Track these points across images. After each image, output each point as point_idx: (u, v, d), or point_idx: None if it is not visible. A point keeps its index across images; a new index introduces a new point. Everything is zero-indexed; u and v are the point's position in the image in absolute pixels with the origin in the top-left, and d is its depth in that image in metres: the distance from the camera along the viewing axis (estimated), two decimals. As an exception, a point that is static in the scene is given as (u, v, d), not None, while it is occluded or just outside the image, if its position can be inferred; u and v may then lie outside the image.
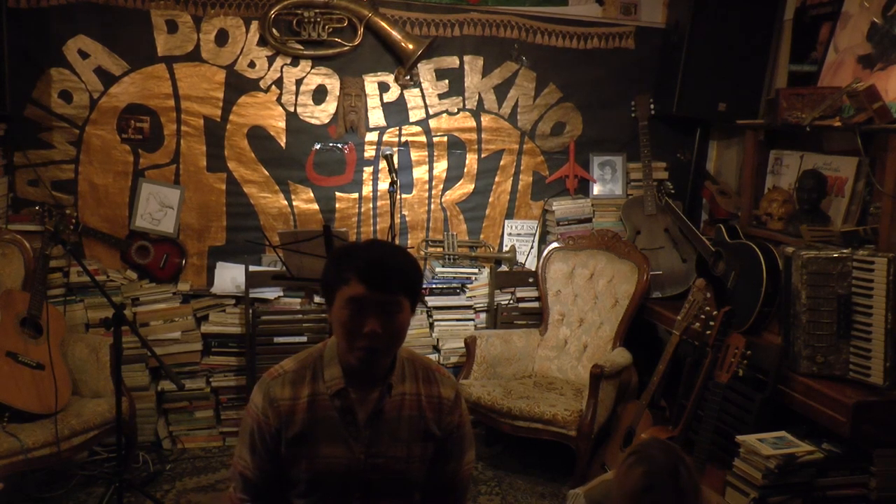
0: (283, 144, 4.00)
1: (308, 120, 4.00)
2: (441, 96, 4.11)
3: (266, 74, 3.92)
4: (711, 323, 3.11)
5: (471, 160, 4.20)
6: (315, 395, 1.66)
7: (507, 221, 4.28)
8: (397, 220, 3.83)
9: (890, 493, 2.56)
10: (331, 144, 4.05)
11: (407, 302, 1.62)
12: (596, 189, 4.31)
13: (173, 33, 3.81)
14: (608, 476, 2.10)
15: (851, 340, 2.66)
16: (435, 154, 4.17)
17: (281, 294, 3.91)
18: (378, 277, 1.57)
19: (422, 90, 4.09)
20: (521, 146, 4.24)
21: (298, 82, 3.96)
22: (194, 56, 3.85)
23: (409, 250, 1.70)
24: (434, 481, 1.75)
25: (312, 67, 3.96)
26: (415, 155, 4.14)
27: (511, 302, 4.15)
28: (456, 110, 4.15)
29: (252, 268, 3.85)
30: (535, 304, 4.13)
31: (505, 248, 4.25)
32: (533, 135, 4.24)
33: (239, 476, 1.70)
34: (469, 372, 3.73)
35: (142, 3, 3.76)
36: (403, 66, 3.97)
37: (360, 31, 3.90)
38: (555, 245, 4.11)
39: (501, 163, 4.24)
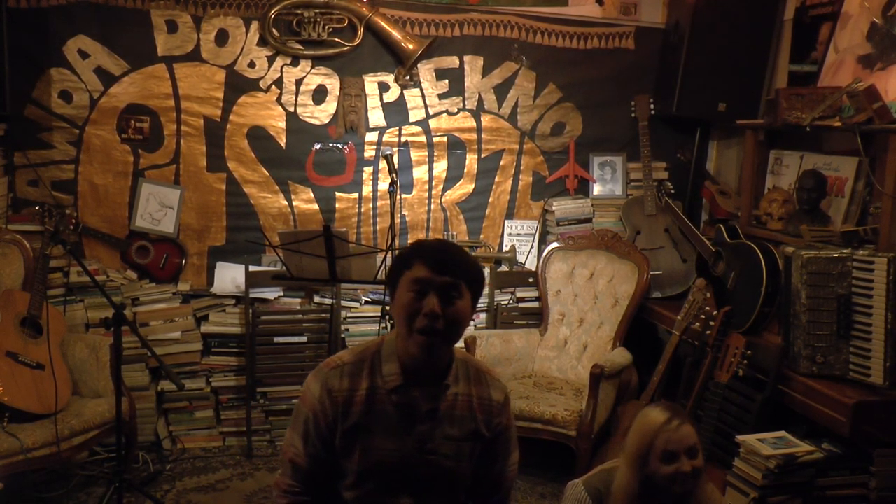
0: (283, 144, 4.00)
1: (308, 120, 4.00)
2: (441, 96, 4.11)
3: (266, 74, 3.92)
4: (711, 323, 3.11)
5: (471, 160, 4.20)
6: (373, 388, 1.69)
7: (507, 221, 4.28)
8: (397, 220, 3.83)
9: (890, 493, 2.56)
10: (331, 144, 4.05)
11: (468, 291, 1.67)
12: (596, 189, 4.31)
13: (173, 33, 3.81)
14: (607, 465, 2.11)
15: (851, 340, 2.67)
16: (435, 154, 4.17)
17: (281, 294, 3.91)
18: (441, 261, 1.64)
19: (422, 90, 4.09)
20: (521, 146, 4.24)
21: (298, 82, 3.96)
22: (194, 56, 3.85)
23: None
24: (480, 481, 1.80)
25: (312, 67, 3.96)
26: (415, 155, 4.14)
27: (511, 302, 4.15)
28: (456, 110, 4.15)
29: (252, 268, 3.85)
30: (535, 304, 4.13)
31: (505, 248, 4.25)
32: (533, 135, 4.24)
33: (289, 463, 1.73)
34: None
35: (142, 3, 3.76)
36: (403, 66, 3.97)
37: (360, 31, 3.90)
38: (555, 245, 4.11)
39: (501, 163, 4.24)
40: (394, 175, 3.60)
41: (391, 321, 3.54)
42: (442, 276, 1.63)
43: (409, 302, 1.63)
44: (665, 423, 1.92)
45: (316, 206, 4.07)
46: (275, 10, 3.81)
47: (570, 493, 2.05)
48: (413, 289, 1.63)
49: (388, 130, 4.09)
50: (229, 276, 3.89)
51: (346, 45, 3.92)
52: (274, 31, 3.84)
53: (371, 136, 4.08)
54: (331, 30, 3.88)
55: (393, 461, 1.68)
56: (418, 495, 1.72)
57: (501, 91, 4.17)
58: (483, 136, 4.19)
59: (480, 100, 4.16)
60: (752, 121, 3.73)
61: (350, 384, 1.69)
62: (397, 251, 1.77)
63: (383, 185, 4.09)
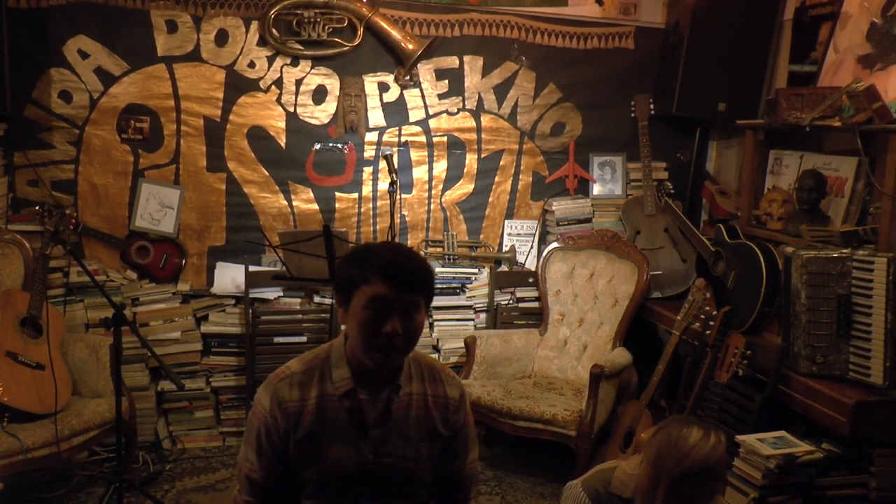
0: (282, 144, 4.00)
1: (308, 120, 4.00)
2: (441, 96, 4.11)
3: (266, 74, 3.93)
4: (711, 323, 3.11)
5: (470, 160, 4.20)
6: (323, 396, 1.66)
7: (506, 221, 4.28)
8: (397, 220, 3.83)
9: (890, 493, 2.56)
10: (331, 144, 4.05)
11: (423, 302, 1.64)
12: (596, 189, 4.31)
13: (173, 33, 3.81)
14: (604, 466, 2.11)
15: (851, 340, 2.67)
16: (435, 154, 4.17)
17: (281, 294, 3.92)
18: (401, 277, 1.58)
19: (422, 90, 4.09)
20: (520, 146, 4.24)
21: (298, 82, 3.96)
22: (194, 56, 3.85)
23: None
24: (440, 480, 1.77)
25: (312, 67, 3.96)
26: (415, 155, 4.14)
27: (511, 302, 4.15)
28: (456, 110, 4.15)
29: (252, 268, 3.85)
30: (535, 304, 4.13)
31: (505, 248, 4.25)
32: (533, 135, 4.24)
33: (245, 479, 1.69)
34: (469, 372, 3.73)
35: (142, 3, 3.76)
36: (403, 66, 3.97)
37: (360, 31, 3.90)
38: (555, 245, 4.11)
39: (501, 163, 4.24)
40: (394, 175, 3.60)
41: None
42: (403, 296, 1.58)
43: (367, 320, 1.58)
44: (714, 444, 1.86)
45: (316, 206, 4.07)
46: (275, 10, 3.81)
47: (569, 494, 2.04)
48: (372, 307, 1.58)
49: (388, 130, 4.09)
50: (229, 276, 3.89)
51: (346, 45, 3.92)
52: (274, 31, 3.84)
53: (371, 137, 4.08)
54: (331, 30, 3.88)
55: (350, 468, 1.65)
56: (379, 499, 1.69)
57: (501, 91, 4.17)
58: (483, 136, 4.19)
59: (480, 100, 4.16)
60: (752, 121, 3.73)
61: (300, 394, 1.66)
62: (350, 254, 1.71)
63: (383, 185, 4.09)
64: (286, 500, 1.70)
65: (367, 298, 1.58)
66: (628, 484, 1.96)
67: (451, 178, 4.20)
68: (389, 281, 1.57)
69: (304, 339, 3.87)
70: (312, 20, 3.84)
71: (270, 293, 3.88)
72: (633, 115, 4.21)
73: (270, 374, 1.71)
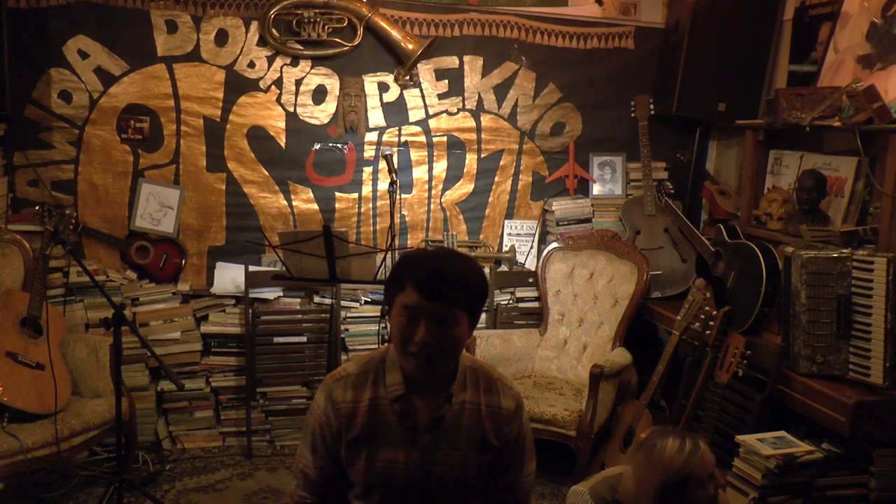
0: (282, 144, 4.00)
1: (308, 120, 4.00)
2: (441, 96, 4.11)
3: (266, 74, 3.92)
4: (711, 323, 3.11)
5: (470, 160, 4.20)
6: (376, 399, 1.67)
7: (506, 221, 4.28)
8: (397, 220, 3.83)
9: (890, 493, 2.56)
10: (331, 144, 4.05)
11: (464, 315, 1.60)
12: (596, 189, 4.31)
13: (173, 33, 3.81)
14: (611, 472, 2.10)
15: (851, 340, 2.67)
16: (435, 154, 4.17)
17: (281, 294, 3.91)
18: (433, 287, 1.56)
19: (421, 90, 4.09)
20: (520, 146, 4.24)
21: (298, 82, 3.96)
22: (194, 56, 3.85)
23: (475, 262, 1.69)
24: (493, 491, 1.75)
25: (312, 67, 3.96)
26: (414, 155, 4.14)
27: (511, 302, 4.15)
28: (456, 110, 4.15)
29: (252, 268, 3.85)
30: (535, 304, 4.13)
31: (505, 248, 4.25)
32: (533, 135, 4.24)
33: (301, 474, 1.73)
34: (469, 372, 3.72)
35: (142, 3, 3.76)
36: (403, 66, 3.97)
37: (360, 31, 3.90)
38: (554, 245, 4.11)
39: (501, 163, 4.24)
40: (393, 175, 3.60)
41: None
42: (433, 304, 1.56)
43: (400, 326, 1.59)
44: (677, 451, 1.88)
45: (316, 206, 4.07)
46: (274, 10, 3.81)
47: (575, 501, 2.03)
48: (404, 314, 1.58)
49: (388, 130, 4.09)
50: (229, 276, 3.89)
51: (346, 45, 3.92)
52: (274, 31, 3.84)
53: (371, 136, 4.08)
54: (330, 30, 3.88)
55: (398, 472, 1.66)
56: None
57: (501, 91, 4.17)
58: (483, 136, 4.19)
59: (480, 100, 4.16)
60: (752, 121, 3.73)
61: (354, 395, 1.68)
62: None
63: (383, 185, 4.09)
64: (339, 497, 1.73)
65: (401, 306, 1.58)
66: (630, 492, 1.96)
67: (451, 178, 4.20)
68: (422, 290, 1.55)
69: (304, 339, 3.87)
70: (312, 20, 3.84)
71: (270, 293, 3.88)
72: (633, 115, 4.21)
73: (327, 377, 1.74)
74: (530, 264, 4.24)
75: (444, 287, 1.57)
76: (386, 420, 1.67)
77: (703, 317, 3.15)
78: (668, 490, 1.86)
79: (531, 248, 4.27)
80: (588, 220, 4.24)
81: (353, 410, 1.67)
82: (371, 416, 1.67)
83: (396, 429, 1.66)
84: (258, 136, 3.97)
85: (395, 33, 3.93)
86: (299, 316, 3.91)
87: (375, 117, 4.06)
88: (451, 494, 1.70)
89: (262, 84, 3.93)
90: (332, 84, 3.99)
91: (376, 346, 3.60)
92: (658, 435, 1.94)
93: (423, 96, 4.09)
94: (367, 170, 4.10)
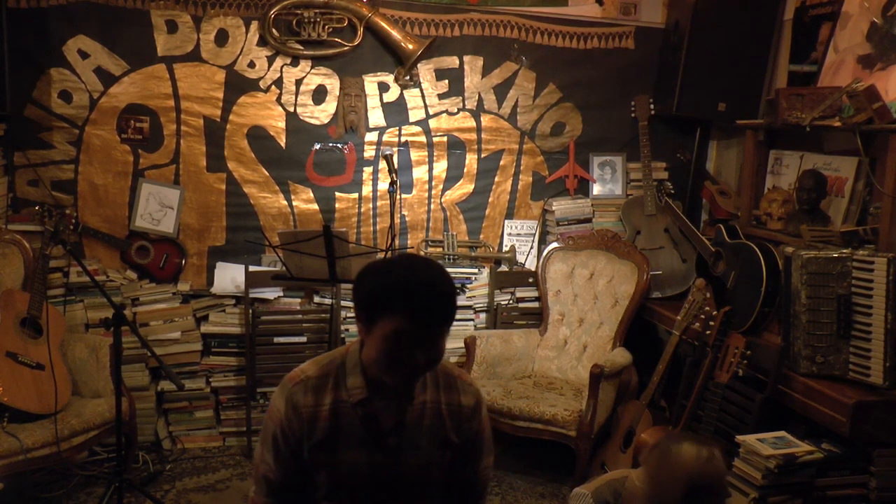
0: (282, 144, 4.00)
1: (308, 120, 4.00)
2: (441, 96, 4.11)
3: (266, 74, 3.92)
4: (711, 323, 3.11)
5: (471, 160, 4.20)
6: (338, 402, 1.65)
7: (506, 221, 4.28)
8: (397, 220, 3.83)
9: (890, 493, 2.56)
10: (331, 144, 4.05)
11: (448, 328, 1.59)
12: (596, 189, 4.31)
13: (173, 33, 3.81)
14: (614, 475, 2.10)
15: (851, 340, 2.67)
16: (435, 154, 4.17)
17: (281, 294, 3.91)
18: (430, 313, 1.51)
19: (422, 90, 4.09)
20: (520, 146, 4.24)
21: (298, 82, 3.96)
22: (194, 56, 3.85)
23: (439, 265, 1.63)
24: (451, 484, 1.76)
25: (312, 67, 3.96)
26: (415, 155, 4.14)
27: (511, 302, 4.15)
28: (456, 110, 4.15)
29: (252, 268, 3.85)
30: (535, 304, 4.13)
31: (505, 248, 4.25)
32: (533, 135, 4.24)
33: (263, 479, 1.69)
34: (469, 372, 3.73)
35: (142, 3, 3.76)
36: (403, 66, 3.97)
37: (360, 31, 3.90)
38: (555, 245, 4.11)
39: (501, 163, 4.24)
40: (394, 175, 3.60)
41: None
42: (431, 328, 1.52)
43: (389, 352, 1.53)
44: (694, 457, 1.86)
45: (316, 206, 4.07)
46: (275, 10, 3.81)
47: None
48: (394, 340, 1.52)
49: (388, 130, 4.09)
50: (229, 276, 3.89)
51: (346, 45, 3.92)
52: (274, 31, 3.84)
53: (371, 136, 4.08)
54: (331, 30, 3.88)
55: (363, 474, 1.65)
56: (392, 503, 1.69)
57: (501, 91, 4.17)
58: (483, 136, 4.19)
59: (480, 100, 4.16)
60: (752, 121, 3.73)
61: (314, 399, 1.65)
62: (395, 251, 1.64)
63: (383, 185, 4.09)
64: (302, 500, 1.71)
65: (391, 331, 1.51)
66: (637, 496, 1.95)
67: (451, 178, 4.20)
68: (415, 316, 1.50)
69: (303, 339, 3.87)
70: (312, 20, 3.84)
71: (270, 293, 3.88)
72: (633, 115, 4.21)
73: (285, 378, 1.69)
74: (530, 264, 4.24)
75: (439, 310, 1.53)
76: (349, 424, 1.65)
77: (703, 317, 3.15)
78: (687, 499, 1.84)
79: (531, 248, 4.27)
80: (588, 220, 4.24)
81: (314, 415, 1.64)
82: (333, 420, 1.64)
83: (360, 432, 1.65)
84: (258, 136, 3.97)
85: (395, 33, 3.93)
86: (299, 316, 3.91)
87: (375, 117, 4.06)
88: (415, 491, 1.71)
89: (262, 84, 3.93)
90: (333, 84, 3.99)
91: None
92: (673, 440, 1.93)
93: (423, 96, 4.09)
94: (368, 170, 4.10)
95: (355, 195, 4.11)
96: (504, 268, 4.18)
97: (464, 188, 4.22)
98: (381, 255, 3.39)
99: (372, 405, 1.65)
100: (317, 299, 3.94)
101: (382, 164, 4.04)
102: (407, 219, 4.18)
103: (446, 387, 1.73)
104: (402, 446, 1.67)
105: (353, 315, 3.88)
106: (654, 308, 3.82)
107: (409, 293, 1.50)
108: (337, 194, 4.10)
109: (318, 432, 1.64)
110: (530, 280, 4.15)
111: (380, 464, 1.66)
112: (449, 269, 4.08)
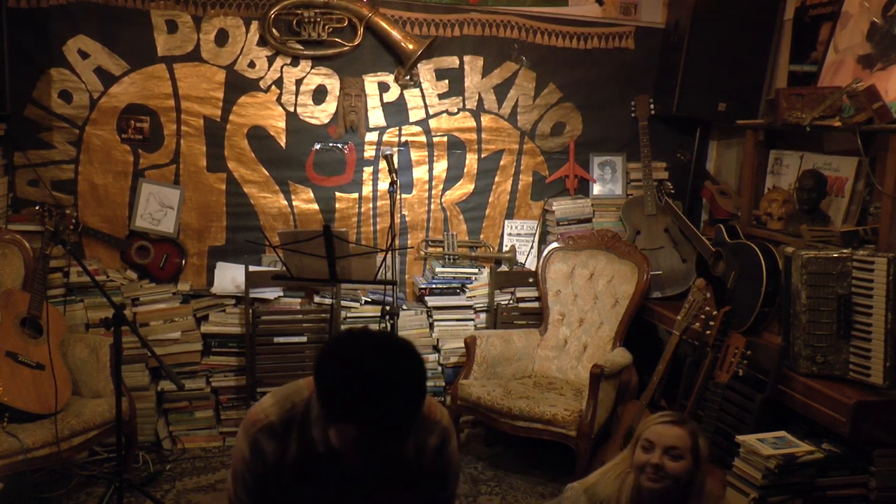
0: (283, 144, 4.00)
1: (308, 120, 4.00)
2: (441, 96, 4.11)
3: (266, 74, 3.92)
4: (711, 323, 3.11)
5: (471, 160, 4.20)
6: (303, 450, 1.65)
7: (507, 221, 4.28)
8: (397, 220, 3.84)
9: (890, 493, 2.56)
10: (331, 144, 4.05)
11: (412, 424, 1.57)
12: (596, 189, 4.31)
13: (173, 33, 3.81)
14: (607, 469, 2.11)
15: (851, 340, 2.66)
16: (435, 154, 4.17)
17: (281, 294, 3.91)
18: (383, 424, 1.47)
19: (422, 90, 4.09)
20: (520, 146, 4.24)
21: (298, 82, 3.96)
22: (194, 56, 3.85)
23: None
24: None
25: (312, 67, 3.96)
26: (415, 155, 4.14)
27: (511, 302, 4.15)
28: (456, 110, 4.15)
29: (252, 268, 3.85)
30: (535, 304, 4.12)
31: (505, 248, 4.25)
32: (533, 135, 4.24)
33: None
34: (469, 372, 3.73)
35: (142, 3, 3.76)
36: (403, 66, 3.97)
37: (360, 31, 3.90)
38: (555, 245, 4.11)
39: (501, 163, 4.24)
40: (394, 175, 3.60)
41: (391, 321, 3.54)
42: (383, 433, 1.49)
43: (343, 446, 1.52)
44: (658, 417, 2.02)
45: (316, 206, 4.07)
46: (275, 10, 3.81)
47: (569, 496, 2.04)
48: (349, 443, 1.50)
49: (388, 130, 4.09)
50: (229, 276, 3.89)
51: (346, 45, 3.92)
52: (274, 31, 3.84)
53: (371, 136, 4.08)
54: (331, 30, 3.88)
55: None
56: None
57: (501, 91, 4.17)
58: (483, 136, 4.19)
59: (480, 100, 4.16)
60: (752, 121, 3.73)
61: (278, 445, 1.64)
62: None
63: (383, 185, 4.09)
64: None
65: (342, 434, 1.50)
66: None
67: (452, 178, 4.20)
68: (367, 428, 1.47)
69: (304, 339, 3.87)
70: (312, 20, 3.84)
71: (270, 293, 3.88)
72: (633, 115, 4.21)
73: (247, 417, 1.67)
74: (530, 264, 4.24)
75: (394, 422, 1.48)
76: (314, 467, 1.65)
77: (703, 317, 3.16)
78: (633, 444, 2.04)
79: (531, 248, 4.27)
80: (588, 220, 4.24)
81: (279, 459, 1.64)
82: (299, 466, 1.65)
83: (325, 478, 1.66)
84: (258, 136, 3.97)
85: (395, 33, 3.93)
86: (299, 316, 3.91)
87: (376, 117, 4.06)
88: None
89: (262, 84, 3.93)
90: (333, 84, 3.99)
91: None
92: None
93: (423, 96, 4.10)
94: (368, 170, 4.10)
95: (355, 195, 4.11)
96: (504, 268, 4.18)
97: (464, 188, 4.22)
98: (381, 255, 3.36)
99: (337, 453, 1.60)
100: (317, 299, 3.94)
101: (382, 164, 4.05)
102: (407, 219, 4.18)
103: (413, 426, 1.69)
104: (369, 488, 1.68)
105: (353, 315, 3.94)
106: (655, 308, 3.82)
107: (361, 409, 1.44)
108: (337, 194, 4.10)
109: (285, 476, 1.66)
110: (530, 280, 4.15)
111: (348, 499, 1.68)
112: (449, 270, 4.14)
